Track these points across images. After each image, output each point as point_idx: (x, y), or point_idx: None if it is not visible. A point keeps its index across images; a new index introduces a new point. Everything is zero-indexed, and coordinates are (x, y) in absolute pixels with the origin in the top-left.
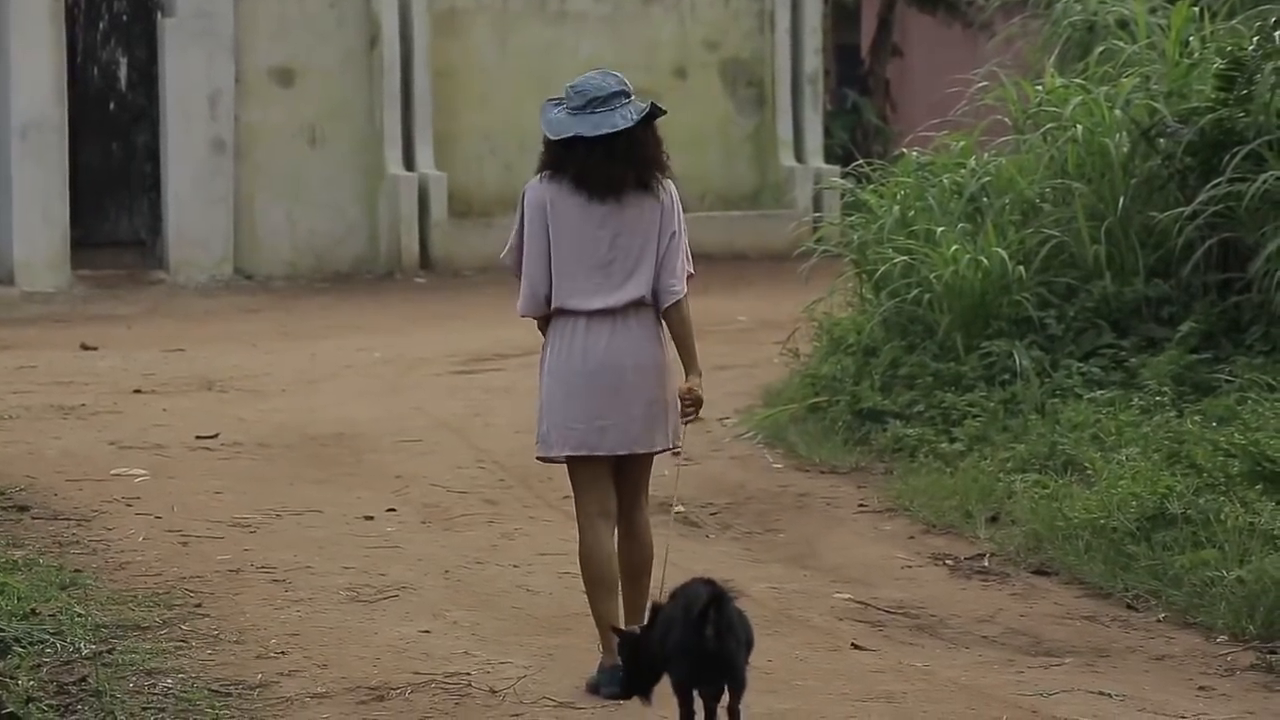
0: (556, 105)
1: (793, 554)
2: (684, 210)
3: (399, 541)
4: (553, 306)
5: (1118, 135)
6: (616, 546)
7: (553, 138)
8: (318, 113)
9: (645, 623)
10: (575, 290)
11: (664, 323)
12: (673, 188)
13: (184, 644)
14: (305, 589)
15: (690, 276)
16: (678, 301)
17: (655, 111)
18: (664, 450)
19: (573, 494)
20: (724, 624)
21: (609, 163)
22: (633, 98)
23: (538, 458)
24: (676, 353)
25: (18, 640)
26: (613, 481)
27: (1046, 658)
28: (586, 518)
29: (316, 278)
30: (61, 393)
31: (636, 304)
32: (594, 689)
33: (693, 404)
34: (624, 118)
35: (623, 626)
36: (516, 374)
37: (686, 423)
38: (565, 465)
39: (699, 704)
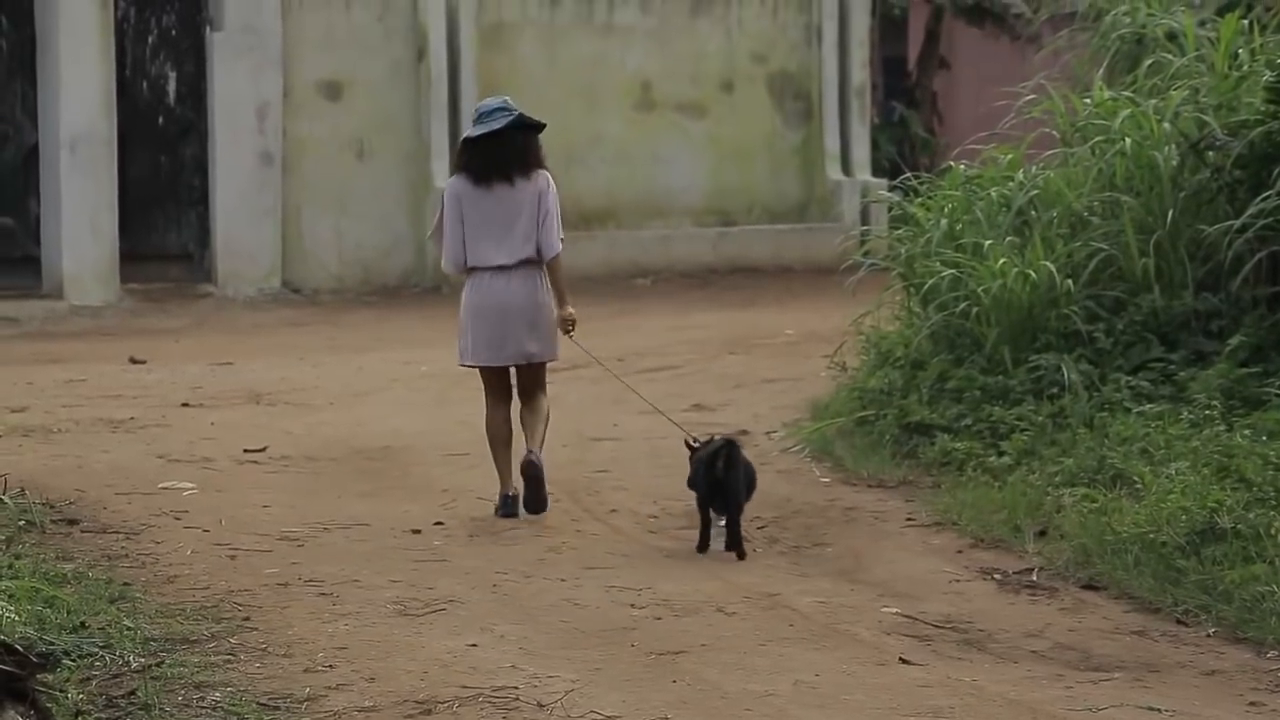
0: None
1: (840, 568)
2: (730, 224)
3: (446, 555)
4: (468, 265)
5: (1166, 148)
6: (520, 416)
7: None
8: (365, 125)
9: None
10: (482, 253)
11: (546, 270)
12: (548, 176)
13: (232, 657)
14: (353, 602)
15: (561, 240)
16: (556, 255)
17: (522, 121)
18: (545, 360)
19: (483, 387)
20: (731, 461)
21: (484, 155)
22: (512, 115)
23: (460, 364)
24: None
25: (67, 653)
26: (509, 382)
27: (1095, 673)
28: (492, 403)
29: (364, 290)
30: (110, 406)
31: (525, 261)
32: (497, 512)
33: (571, 323)
34: (497, 124)
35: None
36: (561, 386)
37: (569, 334)
38: (479, 371)
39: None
